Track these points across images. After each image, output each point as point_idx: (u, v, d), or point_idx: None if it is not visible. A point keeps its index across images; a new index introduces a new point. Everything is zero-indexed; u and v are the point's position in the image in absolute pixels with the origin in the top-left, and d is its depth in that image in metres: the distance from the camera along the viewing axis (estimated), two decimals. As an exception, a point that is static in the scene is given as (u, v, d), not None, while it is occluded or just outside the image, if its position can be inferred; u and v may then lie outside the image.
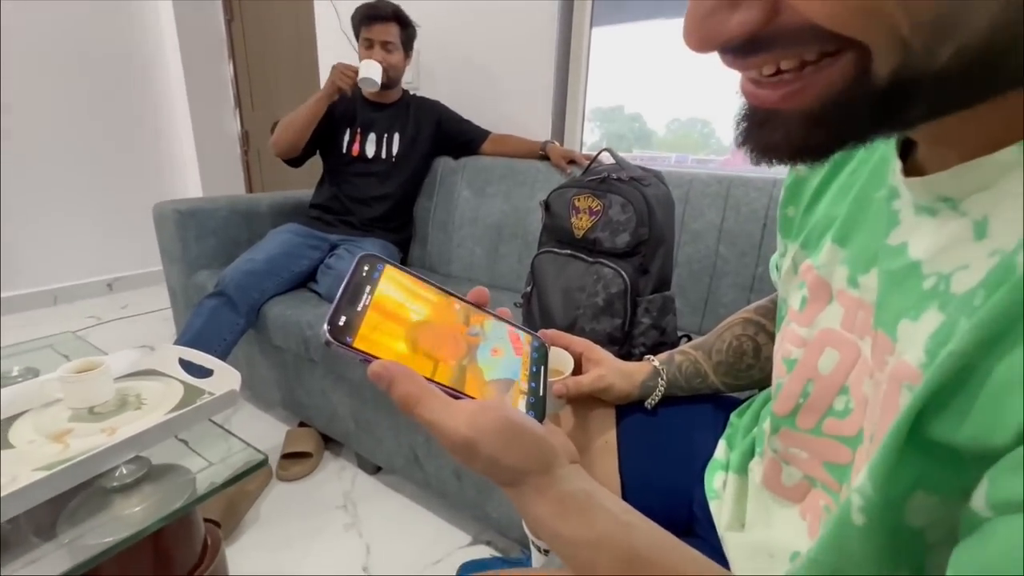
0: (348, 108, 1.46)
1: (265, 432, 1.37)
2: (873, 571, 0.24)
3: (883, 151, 0.32)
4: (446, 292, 0.36)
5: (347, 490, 1.19)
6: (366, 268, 0.33)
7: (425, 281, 0.35)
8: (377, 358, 0.29)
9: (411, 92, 1.56)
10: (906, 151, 0.29)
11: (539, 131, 1.53)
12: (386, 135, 1.45)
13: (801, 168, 0.40)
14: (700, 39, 0.21)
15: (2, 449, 0.59)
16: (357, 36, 1.39)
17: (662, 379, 0.55)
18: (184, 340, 1.14)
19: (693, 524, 0.50)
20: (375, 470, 1.24)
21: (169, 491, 0.61)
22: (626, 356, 0.74)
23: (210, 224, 1.45)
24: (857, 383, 0.32)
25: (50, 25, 2.08)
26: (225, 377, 0.72)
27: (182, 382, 0.74)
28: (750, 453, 0.44)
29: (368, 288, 0.32)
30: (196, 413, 0.64)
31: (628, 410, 0.56)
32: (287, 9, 2.22)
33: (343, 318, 0.29)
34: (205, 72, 2.50)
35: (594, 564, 0.28)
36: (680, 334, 0.92)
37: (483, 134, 1.50)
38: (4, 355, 0.89)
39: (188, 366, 0.77)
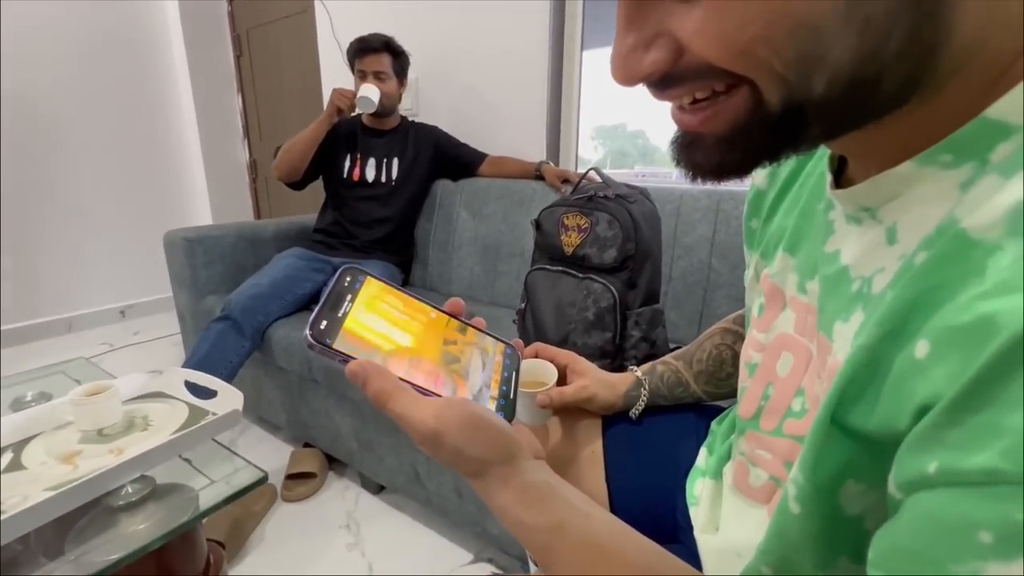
0: (348, 135, 1.52)
1: (270, 453, 1.39)
2: (812, 557, 0.26)
3: (824, 166, 0.35)
4: (424, 302, 0.38)
5: (350, 510, 1.20)
6: (348, 279, 0.35)
7: (404, 292, 0.38)
8: (353, 359, 0.31)
9: (410, 119, 1.62)
10: (842, 165, 0.31)
11: (535, 152, 1.57)
12: (385, 160, 1.51)
13: (759, 181, 0.42)
14: (622, 76, 0.24)
15: (15, 470, 0.61)
16: (352, 69, 1.46)
17: (644, 389, 0.56)
18: (191, 363, 1.18)
19: (677, 532, 0.51)
20: (378, 489, 1.25)
21: (172, 509, 0.63)
22: (619, 369, 0.75)
23: (217, 250, 1.49)
24: (810, 384, 0.33)
25: (66, 59, 2.19)
26: (228, 398, 0.74)
27: (187, 403, 0.76)
28: (726, 458, 0.46)
29: (349, 297, 0.34)
30: (200, 433, 0.67)
31: (614, 420, 0.58)
32: (293, 45, 2.31)
33: (324, 322, 0.32)
34: (216, 104, 2.60)
35: (553, 549, 0.30)
36: (673, 346, 0.93)
37: (480, 156, 1.55)
38: (19, 381, 0.93)
39: (194, 388, 0.79)
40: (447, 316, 0.39)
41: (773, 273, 0.37)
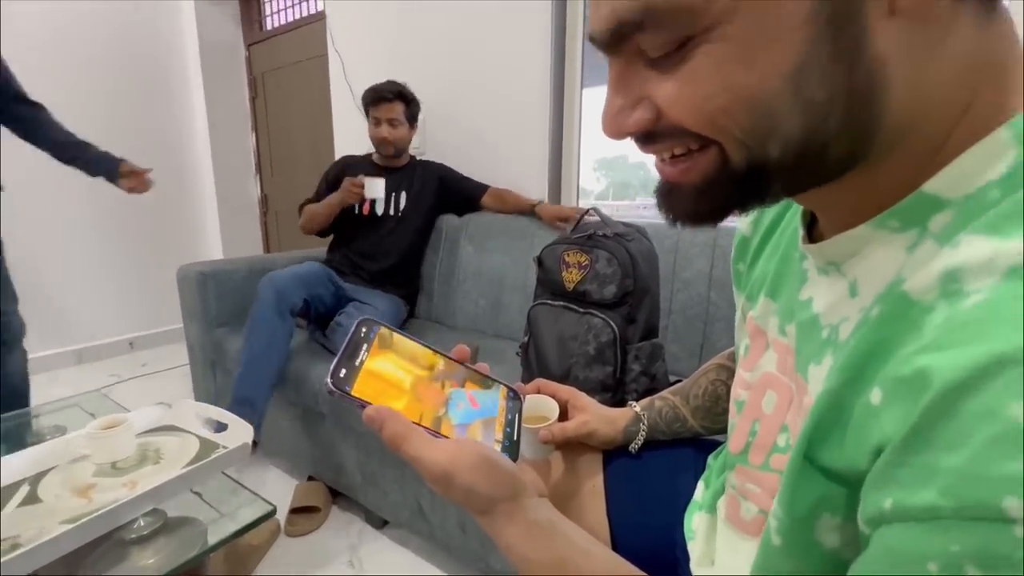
0: (356, 174, 1.58)
1: (274, 485, 1.39)
2: None
3: (798, 219, 0.38)
4: (433, 350, 0.41)
5: (354, 544, 1.19)
6: (364, 330, 0.39)
7: (414, 340, 0.41)
8: (370, 405, 0.34)
9: (418, 157, 1.70)
10: (814, 219, 0.34)
11: (538, 186, 1.62)
12: (394, 194, 1.59)
13: (744, 228, 0.45)
14: (611, 132, 0.28)
15: (32, 503, 0.63)
16: (367, 114, 1.56)
17: (643, 424, 0.58)
18: (250, 354, 1.24)
19: (677, 566, 0.52)
20: (382, 524, 1.25)
21: (182, 543, 0.64)
22: (620, 402, 0.77)
23: (229, 284, 1.54)
24: (793, 420, 0.35)
25: (89, 96, 2.28)
26: (238, 431, 0.76)
27: (198, 436, 0.78)
28: (720, 492, 0.47)
29: (365, 346, 0.38)
30: (210, 467, 0.68)
31: (614, 455, 0.59)
32: (306, 88, 2.42)
33: (343, 371, 0.35)
34: (230, 143, 2.70)
35: None
36: (673, 379, 0.95)
37: (482, 188, 1.62)
38: (35, 414, 0.95)
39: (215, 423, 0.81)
40: (453, 362, 0.42)
41: (757, 315, 0.40)
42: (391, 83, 1.54)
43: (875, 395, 0.22)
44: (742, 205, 0.27)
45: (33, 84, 2.08)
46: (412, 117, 1.57)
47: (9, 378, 1.34)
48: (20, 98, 1.35)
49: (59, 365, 2.31)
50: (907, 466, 0.19)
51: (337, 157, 2.19)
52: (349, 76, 2.03)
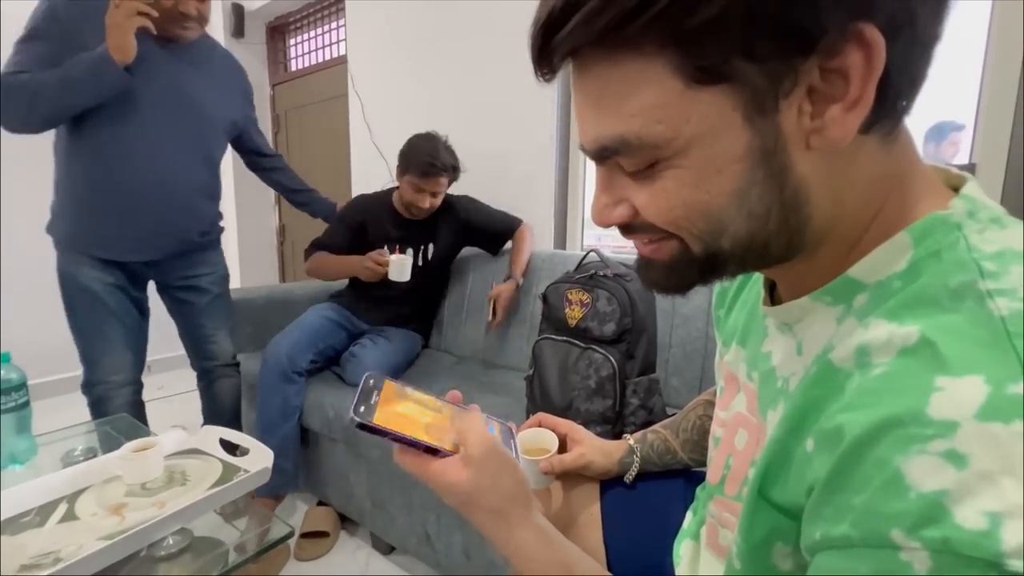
0: (382, 230, 1.56)
1: (283, 509, 1.42)
2: None
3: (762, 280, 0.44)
4: (430, 395, 0.48)
5: (361, 570, 1.22)
6: (371, 380, 0.46)
7: (414, 388, 0.48)
8: (391, 430, 0.40)
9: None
10: (774, 283, 0.40)
11: (545, 232, 1.68)
12: (423, 247, 1.56)
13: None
14: (599, 221, 0.34)
15: (70, 520, 0.68)
16: (403, 174, 1.46)
17: (636, 456, 0.62)
18: (263, 423, 1.27)
19: (666, 591, 0.56)
20: (388, 550, 1.27)
21: (207, 561, 0.69)
22: (619, 435, 0.81)
23: (249, 312, 1.61)
24: (760, 457, 0.40)
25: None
26: (259, 455, 0.82)
27: (220, 460, 0.83)
28: (704, 520, 0.51)
29: (376, 392, 0.45)
30: (234, 489, 0.73)
31: (610, 485, 0.64)
32: (326, 125, 2.56)
33: (363, 407, 0.42)
34: (252, 176, 2.83)
35: None
36: (671, 412, 0.99)
37: (511, 227, 1.56)
38: (68, 435, 1.01)
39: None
40: (449, 404, 0.49)
41: (730, 361, 0.45)
42: (445, 154, 1.44)
43: (809, 444, 0.27)
44: (703, 281, 0.33)
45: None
46: (452, 183, 1.53)
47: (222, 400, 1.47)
48: (261, 152, 1.56)
49: (76, 388, 2.38)
50: (830, 504, 0.24)
51: (354, 191, 2.30)
52: (368, 116, 2.15)
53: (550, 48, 0.27)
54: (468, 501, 0.39)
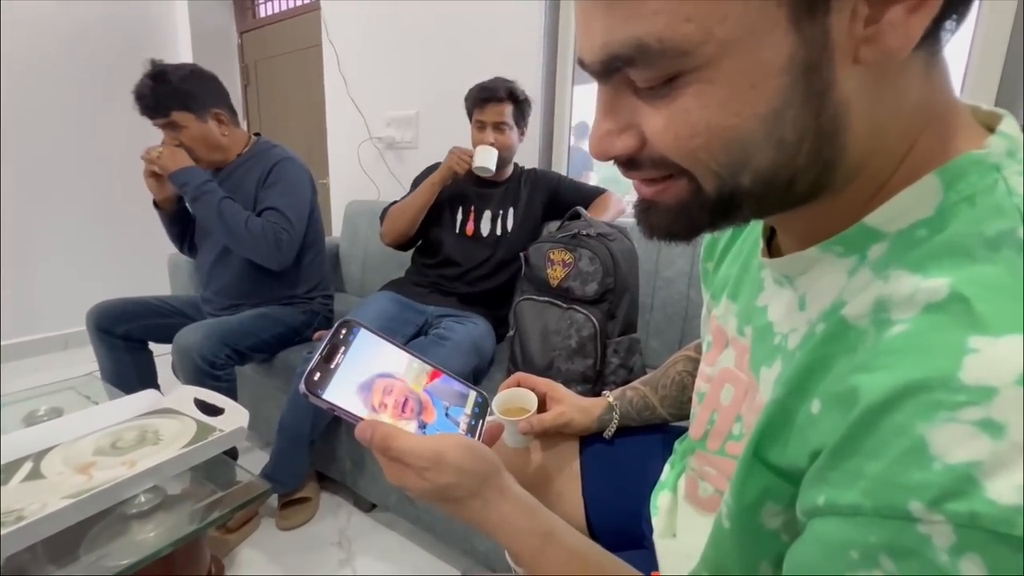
0: (459, 189, 1.40)
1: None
2: (739, 562, 0.32)
3: (759, 231, 0.42)
4: (410, 353, 0.45)
5: (343, 527, 1.23)
6: (343, 331, 0.41)
7: (393, 344, 0.44)
8: (341, 408, 0.37)
9: (524, 167, 1.47)
10: (773, 233, 0.38)
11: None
12: (501, 211, 1.39)
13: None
14: (598, 153, 0.29)
15: (35, 479, 0.66)
16: (470, 117, 1.35)
17: (615, 413, 0.63)
18: (289, 419, 1.18)
19: (643, 539, 0.57)
20: (370, 507, 1.29)
21: (181, 518, 0.68)
22: (599, 394, 0.82)
23: (221, 273, 1.55)
24: (746, 412, 0.40)
25: (70, 83, 2.26)
26: (234, 415, 0.80)
27: (195, 419, 0.81)
28: (682, 473, 0.52)
29: (343, 349, 0.40)
30: (207, 448, 0.72)
31: (590, 441, 0.64)
32: (299, 78, 2.42)
33: (318, 374, 0.38)
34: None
35: (545, 554, 0.37)
36: (650, 372, 1.00)
37: (595, 195, 1.40)
38: (31, 396, 0.97)
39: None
40: (428, 365, 0.46)
41: (719, 315, 0.44)
42: (500, 80, 1.31)
43: (815, 405, 0.25)
44: (713, 226, 0.29)
45: (15, 75, 2.07)
46: (521, 118, 1.35)
47: None
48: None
49: (46, 350, 2.31)
50: (837, 469, 0.22)
51: (331, 149, 2.21)
52: (343, 68, 2.04)
53: None
54: (439, 500, 0.37)
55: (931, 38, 0.24)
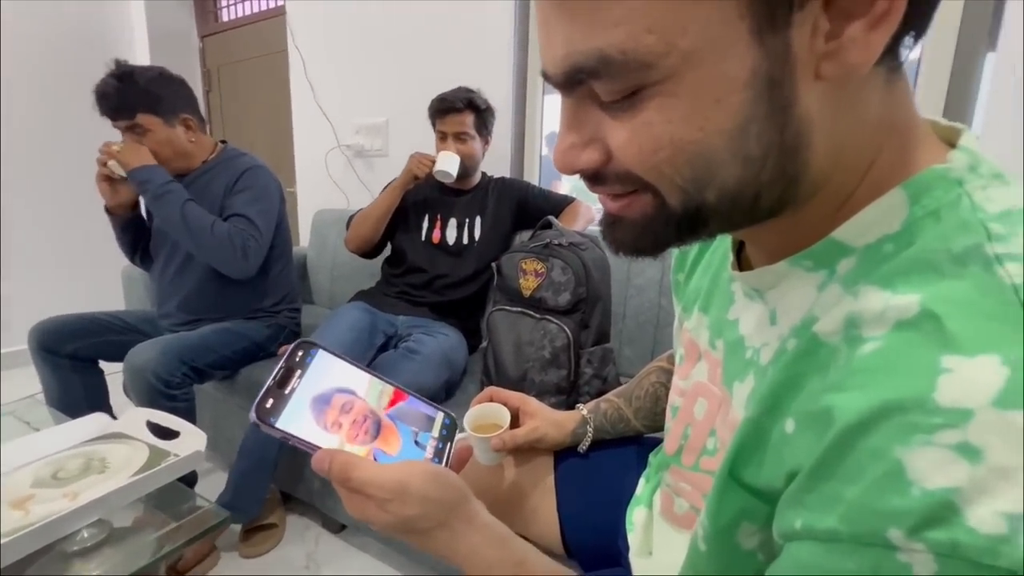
0: (425, 196, 1.39)
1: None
2: None
3: (728, 244, 0.41)
4: (372, 375, 0.42)
5: (311, 551, 1.18)
6: (300, 353, 0.38)
7: (355, 365, 0.41)
8: (296, 436, 0.34)
9: (492, 176, 1.47)
10: (743, 245, 0.38)
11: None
12: (467, 220, 1.38)
13: None
14: (562, 167, 0.29)
15: (-37, 518, 0.60)
16: (433, 126, 1.36)
17: (590, 426, 0.62)
18: (240, 471, 1.12)
19: (619, 557, 0.56)
20: (339, 528, 1.24)
21: (130, 554, 0.63)
22: (574, 405, 0.81)
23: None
24: (720, 426, 0.39)
25: (25, 88, 2.16)
26: (191, 438, 0.75)
27: (148, 444, 0.76)
28: (657, 488, 0.51)
29: (299, 372, 0.37)
30: (159, 475, 0.67)
31: (564, 455, 0.63)
32: (264, 84, 2.36)
33: (271, 400, 0.35)
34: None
35: None
36: (624, 381, 0.99)
37: (564, 204, 1.40)
38: (-37, 423, 0.90)
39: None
40: (392, 387, 0.43)
41: (691, 328, 0.43)
42: (461, 90, 1.31)
43: (789, 425, 0.25)
44: (680, 241, 0.29)
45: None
46: (483, 128, 1.35)
47: None
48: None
49: (13, 365, 2.16)
50: (814, 492, 0.22)
51: (298, 157, 2.15)
52: (310, 74, 2.00)
53: None
54: (404, 533, 0.35)
55: (891, 53, 0.24)
